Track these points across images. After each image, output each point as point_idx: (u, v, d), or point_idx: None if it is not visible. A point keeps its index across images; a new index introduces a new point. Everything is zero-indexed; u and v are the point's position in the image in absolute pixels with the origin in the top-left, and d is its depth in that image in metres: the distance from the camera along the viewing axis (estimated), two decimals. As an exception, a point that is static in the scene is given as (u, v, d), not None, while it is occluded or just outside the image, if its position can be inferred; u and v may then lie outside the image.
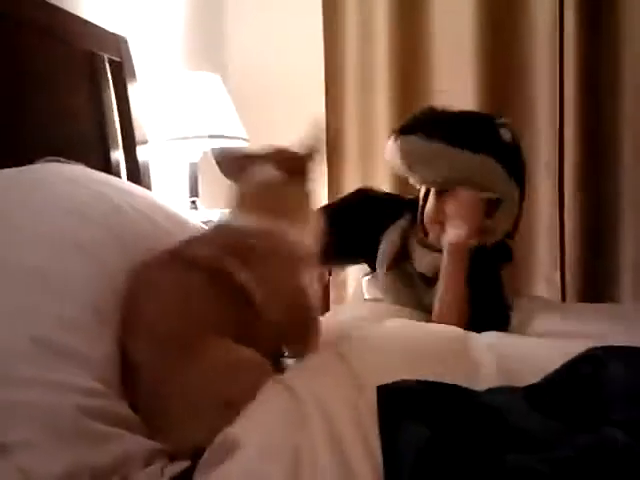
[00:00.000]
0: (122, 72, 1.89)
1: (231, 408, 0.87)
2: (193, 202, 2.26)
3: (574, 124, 2.32)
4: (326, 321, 1.20)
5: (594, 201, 2.36)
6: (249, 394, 0.89)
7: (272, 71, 2.72)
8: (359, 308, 1.55)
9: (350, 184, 2.61)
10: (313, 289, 1.07)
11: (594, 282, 2.37)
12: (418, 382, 0.86)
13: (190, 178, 2.28)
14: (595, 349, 1.02)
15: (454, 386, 0.86)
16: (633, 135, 2.28)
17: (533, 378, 1.00)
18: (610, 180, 2.34)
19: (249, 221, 1.06)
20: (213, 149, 1.17)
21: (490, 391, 0.94)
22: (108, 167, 1.79)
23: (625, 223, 2.32)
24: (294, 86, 2.69)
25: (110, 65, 1.87)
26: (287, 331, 1.04)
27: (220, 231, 1.12)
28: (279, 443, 0.75)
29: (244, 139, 2.24)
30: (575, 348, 1.07)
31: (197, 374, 0.92)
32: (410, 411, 0.82)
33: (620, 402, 0.89)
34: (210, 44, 2.72)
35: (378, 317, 1.34)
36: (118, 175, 1.81)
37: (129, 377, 0.95)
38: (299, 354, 1.05)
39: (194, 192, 2.27)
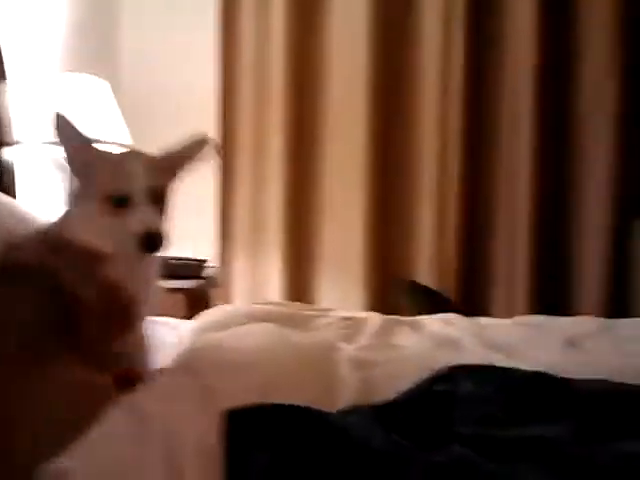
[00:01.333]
0: None
1: (70, 432, 0.82)
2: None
3: (459, 146, 2.42)
4: (185, 328, 1.17)
5: (474, 221, 2.46)
6: (89, 418, 0.83)
7: (164, 81, 2.65)
8: (223, 312, 1.50)
9: (242, 192, 2.60)
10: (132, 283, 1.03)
11: (472, 299, 2.47)
12: (267, 405, 0.84)
13: (68, 182, 2.17)
14: (449, 367, 1.04)
15: (305, 408, 0.85)
16: (507, 153, 2.40)
17: (393, 395, 1.01)
18: (488, 201, 2.45)
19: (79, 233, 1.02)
20: (60, 115, 1.06)
21: (344, 411, 0.94)
22: None
23: (499, 240, 2.44)
24: (185, 97, 2.63)
25: None
26: (108, 326, 1.00)
27: (47, 233, 1.07)
28: (109, 475, 0.70)
29: (128, 145, 2.17)
30: (440, 359, 1.10)
31: (36, 397, 0.86)
32: (257, 436, 0.80)
33: (467, 419, 0.91)
34: (101, 50, 2.62)
35: (241, 322, 1.31)
36: None
37: None
38: (125, 349, 1.00)
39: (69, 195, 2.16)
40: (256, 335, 1.14)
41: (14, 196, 1.84)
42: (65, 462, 0.72)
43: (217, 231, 2.64)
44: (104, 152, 1.11)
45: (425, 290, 2.36)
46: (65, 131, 1.06)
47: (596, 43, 2.34)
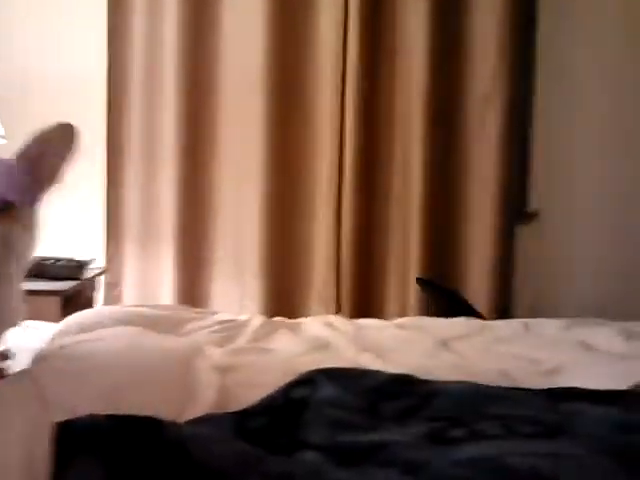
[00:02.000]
0: None
1: None
2: None
3: (353, 153, 2.43)
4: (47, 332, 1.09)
5: (369, 223, 2.48)
6: None
7: (48, 68, 2.49)
8: (89, 315, 1.41)
9: (132, 190, 2.50)
10: None
11: (367, 300, 2.48)
12: (102, 417, 0.78)
13: None
14: (312, 371, 1.02)
15: (145, 420, 0.79)
16: (402, 166, 2.44)
17: (253, 401, 0.98)
18: (382, 205, 2.48)
19: None
20: None
21: (196, 420, 0.90)
22: None
23: (393, 243, 2.47)
24: (72, 84, 2.49)
25: None
26: None
27: None
28: None
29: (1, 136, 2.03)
30: (308, 363, 1.08)
31: None
32: (89, 449, 0.74)
33: (321, 425, 0.89)
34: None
35: (106, 325, 1.24)
36: None
37: None
38: None
39: None
40: (113, 339, 1.08)
41: None
42: None
43: (104, 231, 2.52)
44: None
45: (444, 290, 2.35)
46: None
47: (484, 45, 2.41)
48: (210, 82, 2.51)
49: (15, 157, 1.00)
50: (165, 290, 2.55)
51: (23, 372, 0.94)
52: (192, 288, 2.54)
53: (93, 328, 1.24)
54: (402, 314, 2.36)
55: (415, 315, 2.29)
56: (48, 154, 1.02)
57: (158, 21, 2.49)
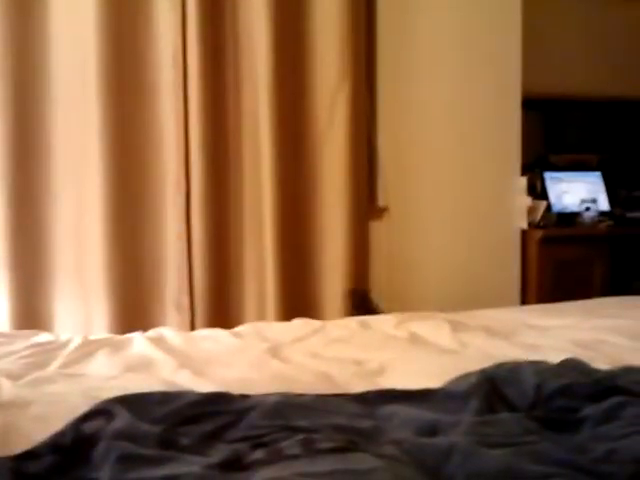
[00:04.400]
0: None
1: None
2: None
3: (199, 154, 2.33)
4: None
5: (220, 226, 2.39)
6: None
7: None
8: None
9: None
10: None
11: (223, 306, 2.40)
12: None
13: None
14: (107, 401, 0.93)
15: None
16: (251, 163, 2.38)
17: (43, 437, 0.87)
18: (233, 204, 2.40)
19: None
20: None
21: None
22: None
23: (247, 248, 2.40)
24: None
25: None
26: None
27: None
28: None
29: None
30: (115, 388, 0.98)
31: None
32: None
33: (110, 462, 0.80)
34: None
35: None
36: None
37: None
38: None
39: None
40: None
41: None
42: None
43: None
44: None
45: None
46: None
47: (328, 45, 2.40)
48: (40, 86, 2.31)
49: None
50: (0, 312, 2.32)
51: None
52: (30, 308, 2.33)
53: None
54: (258, 318, 2.32)
55: (272, 318, 2.25)
56: None
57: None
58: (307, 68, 2.43)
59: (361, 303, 2.37)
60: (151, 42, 2.35)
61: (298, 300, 2.43)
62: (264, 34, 2.35)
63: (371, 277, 2.50)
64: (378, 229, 2.56)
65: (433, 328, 1.44)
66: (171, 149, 2.35)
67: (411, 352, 1.29)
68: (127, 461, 0.79)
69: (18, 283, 2.30)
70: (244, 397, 1.00)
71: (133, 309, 2.36)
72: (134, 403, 0.91)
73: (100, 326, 2.30)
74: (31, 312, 2.32)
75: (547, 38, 2.93)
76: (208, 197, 2.37)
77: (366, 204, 2.51)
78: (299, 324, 1.57)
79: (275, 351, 1.30)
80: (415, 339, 1.39)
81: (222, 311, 2.40)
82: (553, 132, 3.12)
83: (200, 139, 2.34)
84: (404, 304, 2.17)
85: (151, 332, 1.52)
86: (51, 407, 0.96)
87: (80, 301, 2.36)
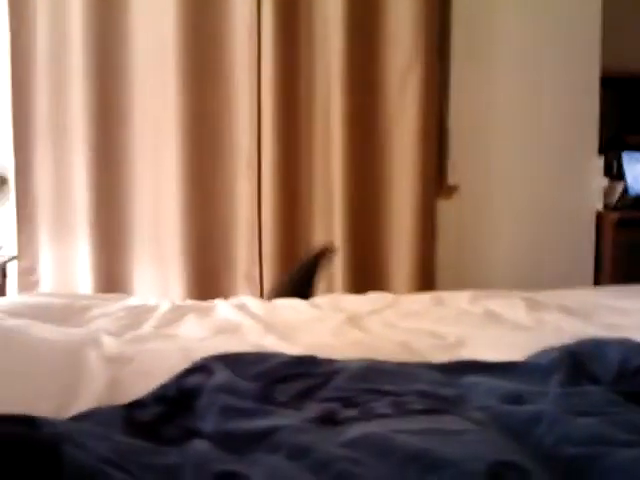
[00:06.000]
0: None
1: None
2: None
3: (271, 131, 2.38)
4: None
5: (290, 201, 2.45)
6: None
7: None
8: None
9: (44, 175, 2.38)
10: None
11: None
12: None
13: None
14: (210, 357, 0.99)
15: (15, 418, 0.75)
16: (322, 143, 2.41)
17: (145, 392, 0.94)
18: (304, 179, 2.45)
19: None
20: None
21: (81, 416, 0.85)
22: None
23: (316, 219, 2.45)
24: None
25: None
26: None
27: None
28: None
29: None
30: (210, 348, 1.05)
31: None
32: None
33: (213, 412, 0.86)
34: None
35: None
36: None
37: None
38: None
39: None
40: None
41: None
42: None
43: (15, 214, 2.40)
44: None
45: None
46: None
47: (403, 19, 2.39)
48: (120, 59, 2.40)
49: None
50: (83, 275, 2.46)
51: None
52: (111, 273, 2.46)
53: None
54: (328, 291, 2.36)
55: (340, 292, 2.30)
56: None
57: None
58: (379, 46, 2.43)
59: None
60: (227, 22, 2.41)
61: (365, 276, 2.47)
62: (337, 13, 2.36)
63: (438, 256, 2.51)
64: (447, 208, 2.56)
65: (508, 305, 1.45)
66: (244, 125, 2.42)
67: (487, 327, 1.31)
68: (230, 412, 0.85)
69: (101, 250, 2.44)
70: (330, 361, 1.04)
71: (206, 278, 2.46)
72: (231, 361, 0.97)
73: (175, 292, 2.40)
74: (112, 277, 2.46)
75: (624, 15, 2.82)
76: (279, 173, 2.43)
77: (435, 183, 2.51)
78: (374, 297, 1.61)
79: (353, 321, 1.35)
80: (490, 315, 1.41)
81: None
82: (630, 111, 3.02)
83: (272, 116, 2.39)
84: (471, 284, 2.17)
85: (233, 300, 1.58)
86: (152, 362, 1.04)
87: (157, 268, 2.47)
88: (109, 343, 1.11)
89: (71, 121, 2.40)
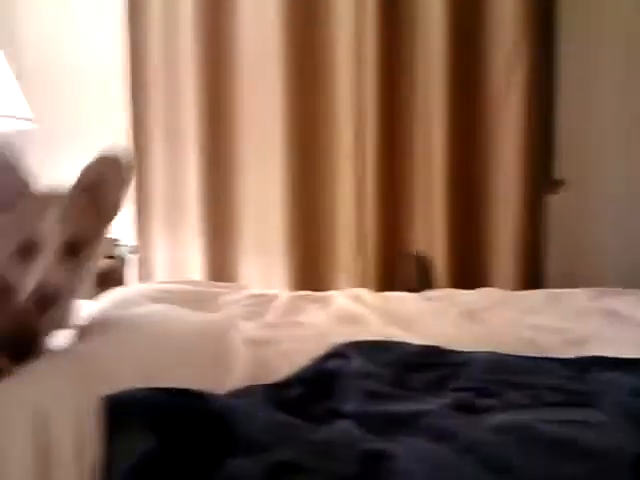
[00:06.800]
0: None
1: None
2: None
3: (374, 130, 2.42)
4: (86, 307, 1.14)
5: (392, 195, 2.48)
6: None
7: (64, 51, 2.52)
8: (121, 293, 1.46)
9: (158, 168, 2.53)
10: None
11: (392, 274, 2.50)
12: (148, 390, 0.82)
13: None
14: (344, 344, 1.06)
15: (188, 393, 0.84)
16: (423, 141, 2.43)
17: (288, 372, 1.01)
18: (406, 179, 2.48)
19: None
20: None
21: (234, 392, 0.93)
22: None
23: (417, 214, 2.47)
24: (86, 70, 2.52)
25: None
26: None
27: None
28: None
29: (27, 119, 2.07)
30: (338, 336, 1.11)
31: None
32: (136, 421, 0.78)
33: (353, 395, 0.92)
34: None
35: (139, 303, 1.28)
36: None
37: None
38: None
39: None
40: (149, 316, 1.12)
41: None
42: None
43: (134, 208, 2.57)
44: (30, 193, 1.00)
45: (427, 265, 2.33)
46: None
47: (505, 11, 2.37)
48: (229, 63, 2.51)
49: (73, 189, 1.02)
50: (194, 266, 2.60)
51: (67, 348, 0.98)
52: (220, 263, 2.59)
53: (127, 306, 1.28)
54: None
55: (441, 288, 2.31)
56: (104, 185, 1.03)
57: (175, 5, 2.50)
58: (483, 33, 2.41)
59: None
60: (330, 25, 2.45)
61: (468, 272, 2.47)
62: (439, 12, 2.36)
63: (545, 252, 2.47)
64: (554, 203, 2.52)
65: (630, 303, 1.43)
66: (347, 119, 2.46)
67: (610, 325, 1.30)
68: (371, 396, 0.91)
69: (210, 243, 2.56)
70: (456, 352, 1.08)
71: (308, 270, 2.53)
72: (365, 348, 1.03)
73: (278, 283, 2.49)
74: (220, 268, 2.58)
75: None
76: (381, 168, 2.46)
77: (541, 177, 2.47)
78: (486, 292, 1.63)
79: (471, 315, 1.37)
80: (611, 313, 1.39)
81: (391, 278, 2.50)
82: None
83: (374, 118, 2.42)
84: (582, 282, 2.13)
85: (348, 291, 1.65)
86: (290, 346, 1.11)
87: (261, 261, 2.58)
88: (247, 328, 1.20)
89: (183, 123, 2.53)
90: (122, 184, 1.05)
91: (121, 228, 2.56)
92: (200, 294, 1.49)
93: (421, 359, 1.04)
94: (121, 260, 2.44)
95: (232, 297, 1.51)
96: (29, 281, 0.92)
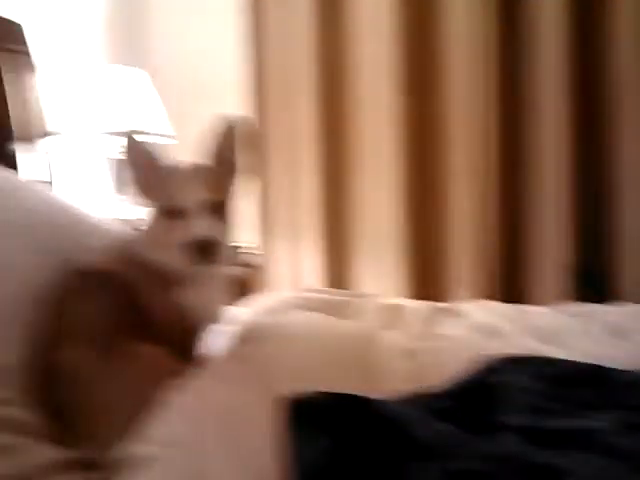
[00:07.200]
0: (17, 61, 1.81)
1: (145, 406, 0.88)
2: (119, 199, 2.21)
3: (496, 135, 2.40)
4: (236, 313, 1.21)
5: (513, 205, 2.44)
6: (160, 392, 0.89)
7: (199, 67, 2.68)
8: (270, 301, 1.53)
9: (278, 176, 2.62)
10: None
11: (516, 288, 2.44)
12: (325, 394, 0.86)
13: (114, 174, 2.23)
14: (502, 358, 1.06)
15: (361, 397, 0.87)
16: (549, 142, 2.37)
17: (440, 383, 1.03)
18: (529, 186, 2.43)
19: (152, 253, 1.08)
20: (131, 138, 1.11)
21: (393, 400, 0.96)
22: (2, 159, 1.71)
23: (545, 227, 2.40)
24: (221, 83, 2.66)
25: (3, 53, 1.78)
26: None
27: (126, 251, 1.13)
28: (185, 461, 0.74)
29: (170, 136, 2.20)
30: (485, 349, 1.12)
31: (116, 374, 0.95)
32: (316, 423, 0.83)
33: (515, 409, 0.92)
34: (134, 38, 2.65)
35: (286, 310, 1.34)
36: (13, 167, 1.73)
37: (52, 385, 0.96)
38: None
39: (120, 189, 2.22)
40: (303, 323, 1.17)
41: (51, 187, 1.88)
42: (143, 447, 0.76)
43: (257, 217, 2.67)
44: (167, 168, 1.13)
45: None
46: (136, 152, 1.10)
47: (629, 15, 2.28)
48: (345, 69, 2.57)
49: (204, 161, 1.13)
50: (312, 273, 2.66)
51: (235, 353, 1.04)
52: (338, 271, 2.64)
53: (275, 313, 1.35)
54: (551, 301, 2.31)
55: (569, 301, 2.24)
56: (230, 151, 1.15)
57: (292, 15, 2.59)
58: (600, 46, 2.34)
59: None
60: (448, 26, 2.45)
61: (591, 281, 2.38)
62: (559, 13, 2.31)
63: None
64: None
65: None
66: (466, 124, 2.44)
67: None
68: (535, 410, 0.91)
69: (328, 250, 2.62)
70: (618, 371, 1.05)
71: (424, 281, 2.53)
72: (522, 363, 1.03)
73: (394, 291, 2.49)
74: (338, 276, 2.63)
75: None
76: (505, 182, 2.42)
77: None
78: (625, 307, 1.57)
79: (617, 332, 1.33)
80: None
81: (515, 293, 2.44)
82: None
83: (495, 114, 2.40)
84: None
85: (481, 303, 1.64)
86: (439, 358, 1.13)
87: (378, 270, 2.60)
88: (390, 337, 1.22)
89: (301, 128, 2.61)
90: (244, 150, 1.16)
91: (245, 235, 2.67)
92: (335, 303, 1.53)
93: (579, 376, 1.02)
94: (246, 267, 2.54)
95: (364, 306, 1.54)
96: (184, 236, 1.03)
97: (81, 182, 2.19)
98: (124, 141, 1.10)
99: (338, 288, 2.56)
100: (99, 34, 2.41)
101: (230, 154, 1.16)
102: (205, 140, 1.16)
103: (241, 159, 1.18)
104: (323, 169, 2.60)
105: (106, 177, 2.27)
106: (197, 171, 1.11)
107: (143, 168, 1.10)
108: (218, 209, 1.08)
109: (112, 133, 2.10)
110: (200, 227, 1.04)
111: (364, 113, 2.56)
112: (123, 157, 1.09)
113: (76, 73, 2.13)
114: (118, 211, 1.95)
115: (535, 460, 0.81)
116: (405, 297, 2.42)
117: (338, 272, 2.64)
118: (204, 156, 1.15)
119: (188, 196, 1.06)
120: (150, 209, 1.12)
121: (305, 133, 2.61)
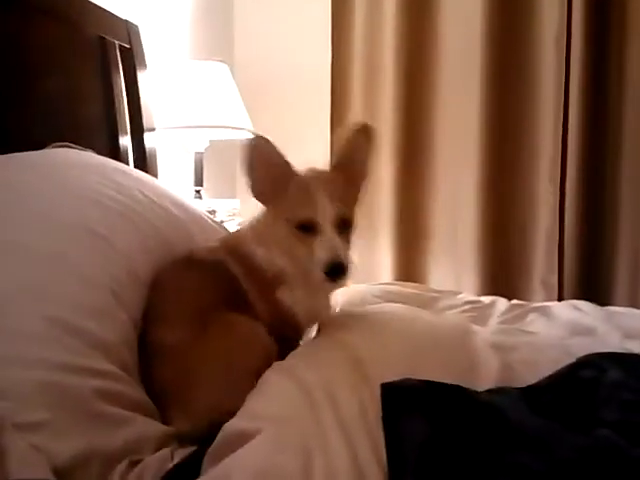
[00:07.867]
0: (132, 59, 1.89)
1: (242, 378, 0.93)
2: (197, 191, 2.27)
3: (577, 132, 2.34)
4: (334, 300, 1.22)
5: (593, 206, 2.38)
6: (257, 364, 0.94)
7: (280, 62, 2.72)
8: (355, 292, 1.54)
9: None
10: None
11: (592, 288, 2.38)
12: (421, 381, 0.88)
13: (195, 167, 2.30)
14: (595, 354, 1.04)
15: (456, 386, 0.88)
16: (632, 147, 2.30)
17: (533, 379, 1.02)
18: (609, 186, 2.36)
19: (261, 252, 1.10)
20: (257, 137, 1.07)
21: (489, 391, 0.96)
22: (116, 153, 1.80)
23: (622, 228, 2.34)
24: (302, 78, 2.69)
25: (120, 51, 1.87)
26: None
27: (233, 245, 1.15)
28: (291, 436, 0.77)
29: (249, 130, 2.25)
30: (577, 346, 1.10)
31: (211, 344, 0.98)
32: (413, 409, 0.84)
33: (612, 405, 0.91)
34: (218, 34, 2.73)
35: (372, 301, 1.35)
36: (125, 161, 1.81)
37: (152, 362, 1.00)
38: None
39: (199, 181, 2.29)
40: (393, 313, 1.18)
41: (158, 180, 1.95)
42: (247, 422, 0.79)
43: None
44: (298, 175, 1.09)
45: None
46: (260, 152, 1.06)
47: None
48: (427, 69, 2.55)
49: (332, 169, 1.12)
50: (383, 268, 2.66)
51: (328, 338, 1.06)
52: (409, 266, 2.63)
53: (362, 303, 1.36)
54: (633, 303, 2.24)
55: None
56: (357, 159, 1.13)
57: (378, 12, 2.59)
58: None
59: None
60: (535, 23, 2.41)
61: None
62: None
63: None
64: None
65: None
66: (549, 127, 2.40)
67: None
68: (631, 408, 0.89)
69: (401, 248, 2.62)
70: None
71: (499, 278, 2.49)
72: (620, 361, 1.01)
73: (467, 288, 2.46)
74: (410, 272, 2.62)
75: None
76: (583, 178, 2.36)
77: None
78: None
79: None
80: None
81: (591, 292, 2.38)
82: None
83: (579, 119, 2.34)
84: None
85: (565, 302, 1.61)
86: (533, 354, 1.12)
87: (452, 267, 2.57)
88: (481, 332, 1.22)
89: (380, 123, 2.61)
90: (369, 152, 1.13)
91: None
92: (419, 297, 1.53)
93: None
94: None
95: (449, 302, 1.54)
96: (320, 256, 1.02)
97: (167, 174, 2.26)
98: (246, 140, 1.06)
99: (408, 279, 2.54)
100: (185, 30, 2.49)
101: (362, 166, 1.12)
102: (335, 148, 1.14)
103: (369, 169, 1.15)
104: (398, 165, 2.60)
105: (187, 170, 2.34)
106: (329, 182, 1.07)
107: (266, 170, 1.06)
108: (346, 225, 1.06)
109: (195, 127, 2.16)
110: (336, 249, 1.02)
111: (445, 110, 2.54)
112: (243, 156, 1.04)
113: (163, 69, 2.21)
114: (198, 204, 2.00)
115: (630, 454, 0.79)
116: (480, 294, 2.39)
117: (410, 267, 2.63)
118: (333, 165, 1.12)
119: (321, 211, 1.04)
120: (263, 210, 1.11)
121: (383, 128, 2.61)
